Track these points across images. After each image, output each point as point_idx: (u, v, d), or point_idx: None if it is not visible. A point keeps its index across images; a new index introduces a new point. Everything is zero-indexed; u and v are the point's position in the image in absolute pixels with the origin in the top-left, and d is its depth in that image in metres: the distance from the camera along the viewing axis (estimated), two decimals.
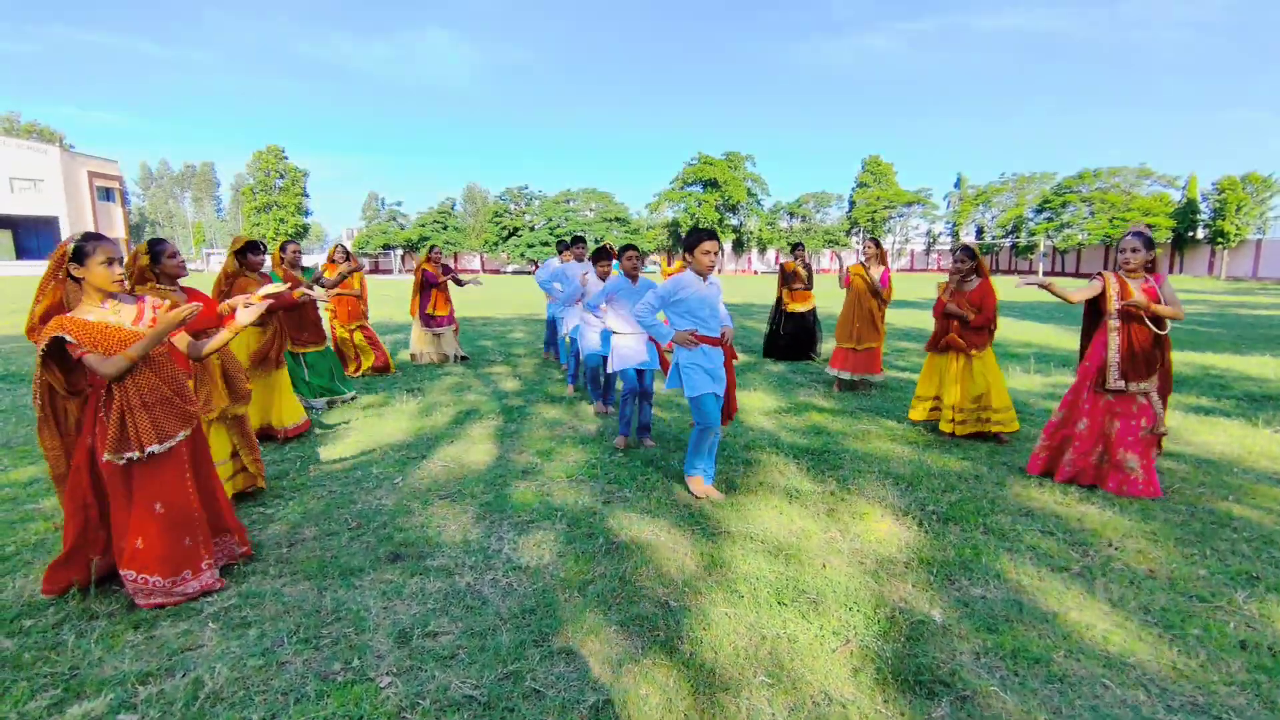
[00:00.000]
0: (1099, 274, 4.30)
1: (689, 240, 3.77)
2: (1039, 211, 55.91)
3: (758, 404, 6.52)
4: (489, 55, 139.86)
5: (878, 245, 7.31)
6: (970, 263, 5.36)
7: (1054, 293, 4.33)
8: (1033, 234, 54.88)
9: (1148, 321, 4.06)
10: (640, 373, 5.03)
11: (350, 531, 3.49)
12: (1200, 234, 49.41)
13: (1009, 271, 59.59)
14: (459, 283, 8.95)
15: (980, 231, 63.07)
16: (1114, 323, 4.14)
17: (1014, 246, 57.32)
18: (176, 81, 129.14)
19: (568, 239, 8.10)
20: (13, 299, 20.34)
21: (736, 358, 4.15)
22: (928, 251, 67.79)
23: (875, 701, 2.18)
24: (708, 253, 3.71)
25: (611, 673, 2.31)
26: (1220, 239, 46.16)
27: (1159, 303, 4.02)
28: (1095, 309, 4.36)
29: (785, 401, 6.63)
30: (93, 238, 2.65)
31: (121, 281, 2.68)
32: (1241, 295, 27.82)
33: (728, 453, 4.90)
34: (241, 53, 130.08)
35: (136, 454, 2.63)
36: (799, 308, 9.31)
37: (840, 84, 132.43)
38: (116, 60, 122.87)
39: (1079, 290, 4.35)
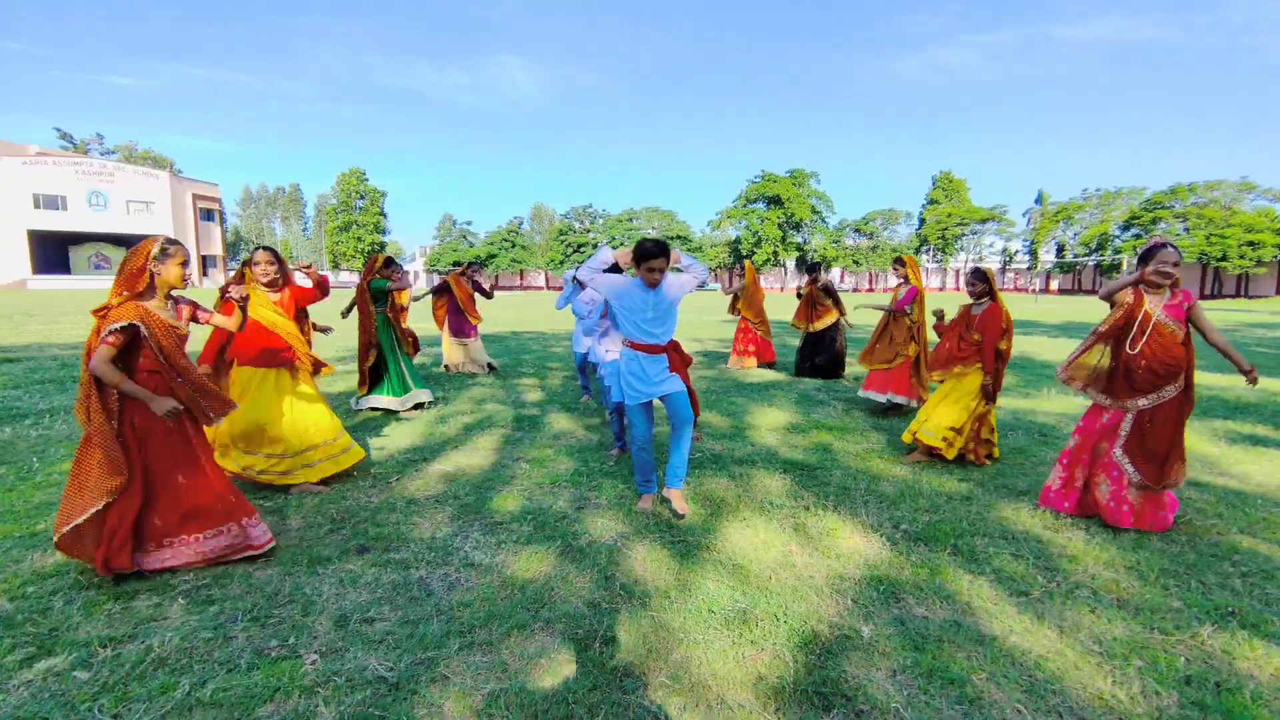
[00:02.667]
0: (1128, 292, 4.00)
1: (637, 252, 3.76)
2: (1126, 228, 52.72)
3: (769, 420, 6.48)
4: (558, 78, 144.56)
5: (902, 265, 7.13)
6: (981, 285, 5.17)
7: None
8: (1118, 251, 51.65)
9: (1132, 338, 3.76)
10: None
11: (331, 524, 3.72)
12: None
13: (1092, 291, 56.33)
14: (486, 294, 9.33)
15: (1061, 249, 59.99)
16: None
17: (1098, 265, 54.11)
18: (273, 110, 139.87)
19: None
20: None
21: (690, 361, 4.14)
22: (1003, 270, 64.90)
23: (768, 709, 2.18)
24: (651, 270, 3.71)
25: (520, 664, 2.40)
26: None
27: (1185, 322, 3.67)
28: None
29: (800, 418, 6.56)
30: (173, 242, 3.13)
31: (187, 281, 3.16)
32: None
33: (718, 465, 4.91)
34: (332, 83, 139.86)
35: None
36: (817, 326, 9.23)
37: (913, 100, 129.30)
38: (222, 92, 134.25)
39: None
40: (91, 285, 48.40)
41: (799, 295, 9.62)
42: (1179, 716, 2.15)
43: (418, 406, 6.84)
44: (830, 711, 2.17)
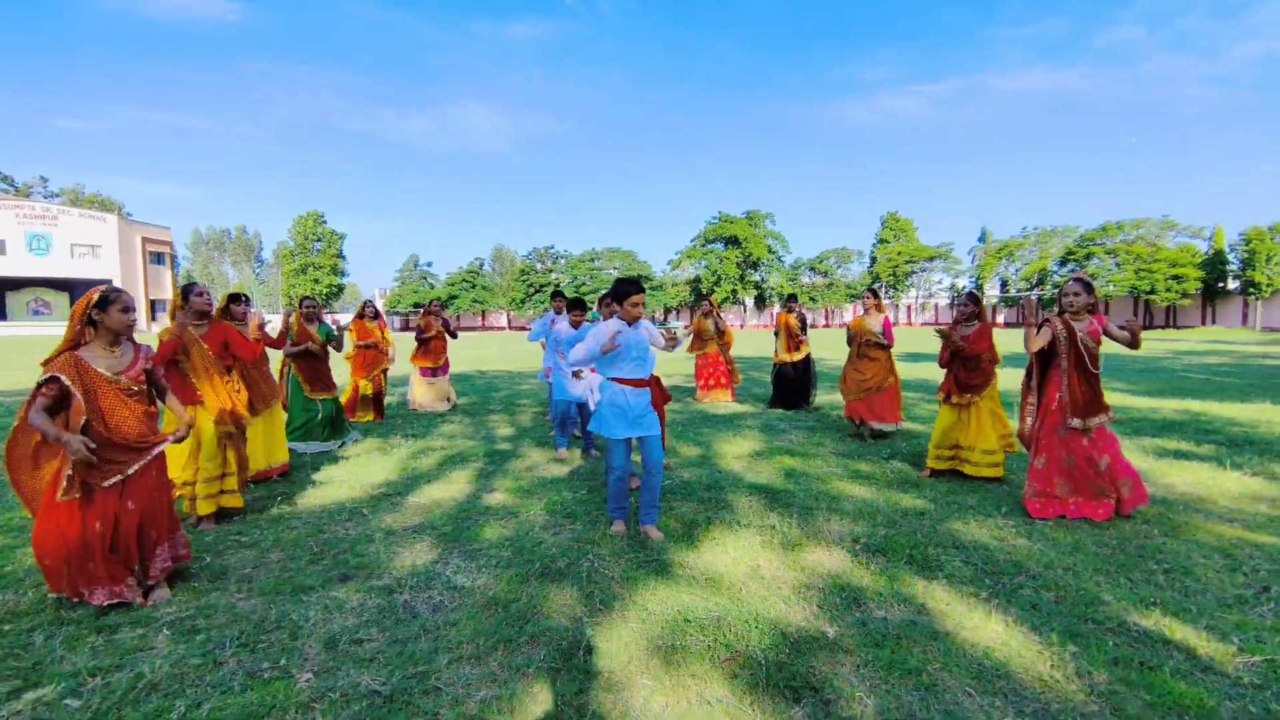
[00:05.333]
0: (1047, 319, 4.52)
1: (618, 292, 4.02)
2: (1063, 263, 55.67)
3: (734, 448, 6.71)
4: (520, 124, 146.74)
5: (875, 295, 7.47)
6: (973, 307, 5.57)
7: (1027, 338, 4.49)
8: (1056, 286, 54.39)
9: (1089, 362, 4.27)
10: (581, 406, 5.35)
11: (311, 556, 3.77)
12: (1232, 285, 48.54)
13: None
14: (453, 334, 9.45)
15: (1004, 284, 62.82)
16: (1064, 364, 4.38)
17: (1039, 299, 56.83)
18: (231, 154, 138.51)
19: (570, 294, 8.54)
20: None
21: (669, 398, 4.33)
22: (952, 305, 67.46)
23: (744, 703, 2.35)
24: (635, 304, 3.97)
25: (510, 674, 2.53)
26: (1252, 289, 45.22)
27: (1100, 339, 4.27)
28: (1045, 354, 4.53)
29: (765, 445, 6.81)
30: (116, 291, 3.23)
31: (132, 326, 3.24)
32: (1272, 346, 27.09)
33: (688, 491, 5.10)
34: (292, 127, 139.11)
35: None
36: (791, 358, 9.55)
37: (861, 144, 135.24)
38: (178, 136, 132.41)
39: (1037, 338, 4.49)
40: (29, 332, 46.40)
41: (776, 334, 9.73)
42: (1107, 691, 2.40)
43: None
44: (800, 702, 2.35)
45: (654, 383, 4.14)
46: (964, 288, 66.15)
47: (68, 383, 2.97)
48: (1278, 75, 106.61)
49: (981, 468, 5.25)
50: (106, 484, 3.06)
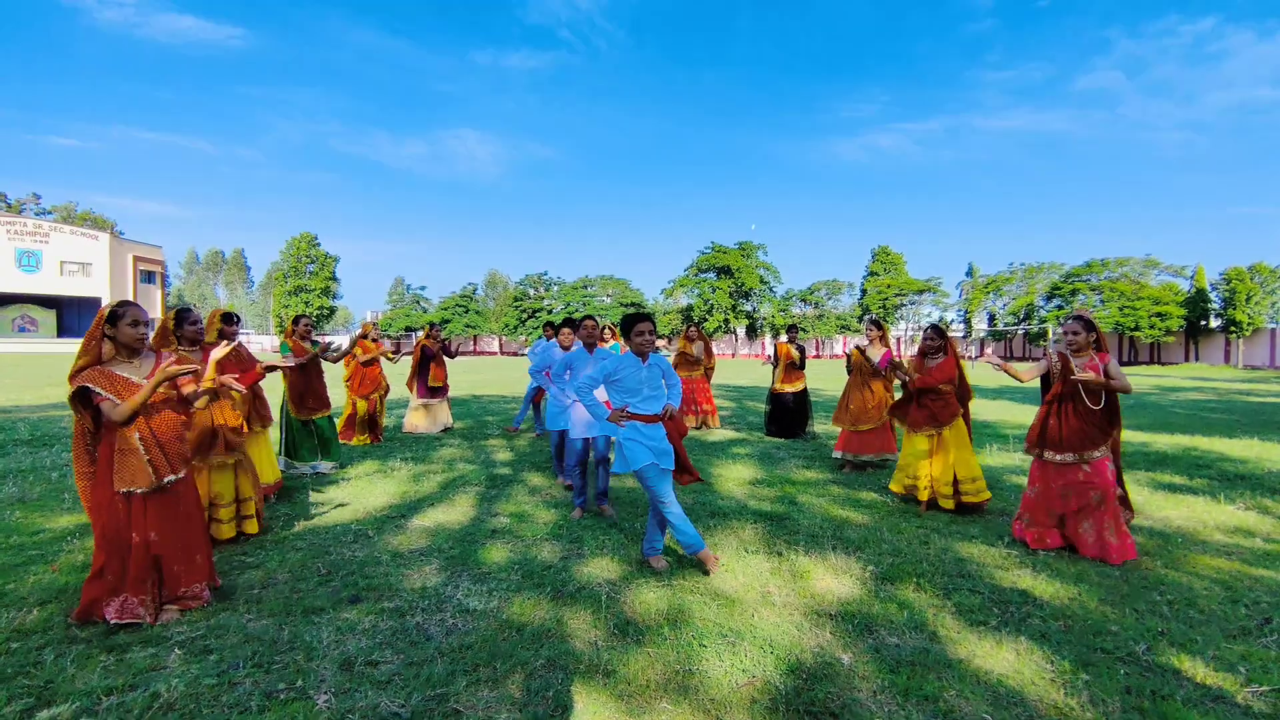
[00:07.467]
0: (1046, 353, 4.68)
1: (625, 324, 4.06)
2: (1049, 299, 56.52)
3: (735, 475, 6.74)
4: (514, 151, 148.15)
5: (879, 326, 7.50)
6: (938, 340, 5.66)
7: (1009, 373, 4.69)
8: (1043, 321, 55.21)
9: (1085, 397, 4.34)
10: (589, 442, 5.33)
11: (319, 578, 3.75)
12: (1214, 323, 49.42)
13: (1022, 358, 59.54)
14: (451, 355, 9.54)
15: (992, 318, 63.62)
16: (1055, 396, 4.50)
17: (1026, 334, 57.59)
18: (226, 175, 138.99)
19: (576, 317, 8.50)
20: (48, 373, 21.34)
21: (685, 432, 4.25)
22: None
23: None
24: (640, 333, 4.00)
25: (528, 698, 2.52)
26: (1234, 328, 46.06)
27: (1101, 378, 4.28)
28: (1049, 386, 4.68)
29: (764, 473, 6.84)
30: (126, 304, 3.22)
31: (144, 339, 3.23)
32: (1254, 384, 27.52)
33: (693, 517, 5.11)
34: (288, 149, 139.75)
35: (141, 488, 3.08)
36: (789, 388, 9.61)
37: (851, 178, 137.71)
38: (173, 156, 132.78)
39: (1029, 369, 4.68)
40: (13, 349, 45.81)
41: (775, 361, 9.78)
42: (1122, 719, 2.43)
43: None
44: None
45: (666, 418, 4.00)
46: (929, 322, 67.01)
47: (97, 389, 3.01)
48: (1251, 123, 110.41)
49: (947, 500, 5.30)
50: (148, 488, 3.11)
